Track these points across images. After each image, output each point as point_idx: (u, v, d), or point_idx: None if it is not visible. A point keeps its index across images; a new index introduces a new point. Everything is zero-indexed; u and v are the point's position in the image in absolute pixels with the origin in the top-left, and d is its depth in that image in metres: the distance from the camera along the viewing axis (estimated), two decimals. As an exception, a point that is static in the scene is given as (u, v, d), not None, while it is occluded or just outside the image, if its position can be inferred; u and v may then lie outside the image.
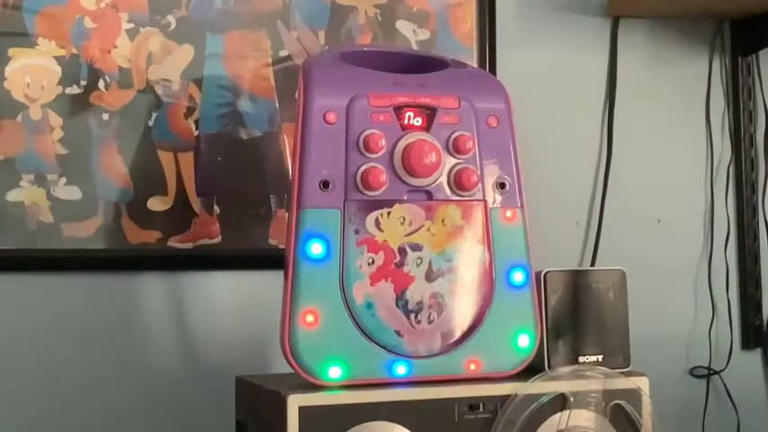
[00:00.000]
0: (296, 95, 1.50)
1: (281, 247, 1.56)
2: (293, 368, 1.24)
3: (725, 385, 1.81)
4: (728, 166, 1.86)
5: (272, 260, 1.46)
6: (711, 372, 1.81)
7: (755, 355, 1.85)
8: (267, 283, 1.51)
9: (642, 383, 1.32)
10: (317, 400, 1.20)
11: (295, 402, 1.19)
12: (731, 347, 1.83)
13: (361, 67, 1.34)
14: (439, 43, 1.70)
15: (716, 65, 1.86)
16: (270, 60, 1.63)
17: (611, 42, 1.81)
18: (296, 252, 1.24)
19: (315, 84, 1.28)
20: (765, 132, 1.88)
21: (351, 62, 1.36)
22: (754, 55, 1.86)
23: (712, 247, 1.84)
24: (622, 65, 1.81)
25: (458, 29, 1.71)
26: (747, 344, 1.84)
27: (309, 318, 1.24)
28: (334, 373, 1.24)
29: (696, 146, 1.85)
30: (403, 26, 1.68)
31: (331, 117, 1.27)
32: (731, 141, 1.86)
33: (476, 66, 1.69)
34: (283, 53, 1.63)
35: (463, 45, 1.71)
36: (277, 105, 1.62)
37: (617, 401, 1.30)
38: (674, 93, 1.84)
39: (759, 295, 1.85)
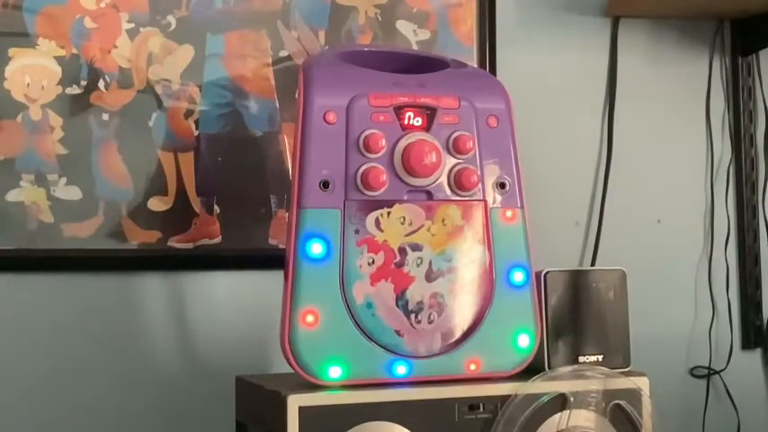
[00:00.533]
0: (296, 95, 1.50)
1: (281, 247, 1.56)
2: (293, 368, 1.24)
3: (725, 385, 1.81)
4: (728, 166, 1.86)
5: (272, 260, 1.46)
6: (711, 372, 1.81)
7: (756, 355, 1.85)
8: (267, 283, 1.51)
9: (642, 383, 1.32)
10: (317, 400, 1.20)
11: (295, 402, 1.19)
12: (731, 347, 1.83)
13: (361, 67, 1.34)
14: (439, 43, 1.70)
15: (716, 65, 1.86)
16: (270, 60, 1.63)
17: (611, 42, 1.81)
18: (296, 252, 1.24)
19: (315, 84, 1.28)
20: (765, 132, 1.88)
21: (351, 62, 1.36)
22: (754, 55, 1.86)
23: (712, 247, 1.84)
24: (622, 65, 1.81)
25: (458, 29, 1.71)
26: (747, 344, 1.84)
27: (309, 318, 1.24)
28: (335, 372, 1.24)
29: (696, 146, 1.85)
30: (403, 26, 1.68)
31: (331, 117, 1.27)
32: (731, 141, 1.86)
33: (476, 66, 1.69)
34: (283, 53, 1.63)
35: (463, 45, 1.71)
36: (277, 105, 1.62)
37: (617, 401, 1.30)
38: (675, 93, 1.84)
39: (759, 295, 1.85)
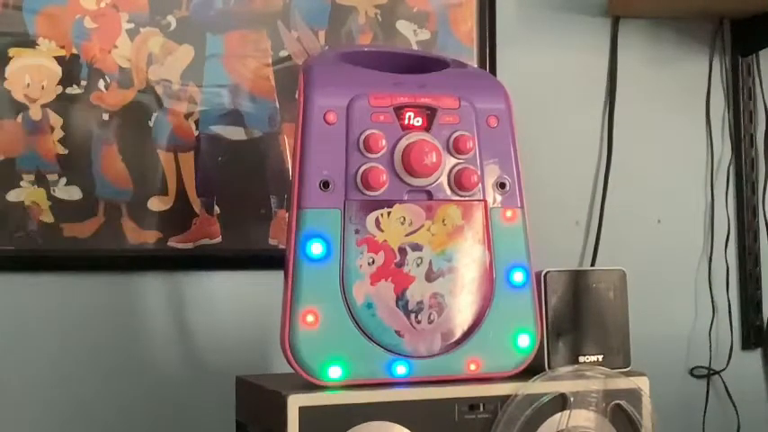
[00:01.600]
0: (296, 95, 1.50)
1: (282, 247, 1.56)
2: (293, 368, 1.24)
3: (725, 385, 1.81)
4: (728, 166, 1.86)
5: (273, 260, 1.46)
6: (711, 372, 1.81)
7: (756, 355, 1.85)
8: (267, 283, 1.51)
9: (642, 383, 1.32)
10: (317, 401, 1.20)
11: (295, 402, 1.19)
12: (731, 347, 1.83)
13: (361, 67, 1.34)
14: (439, 43, 1.70)
15: (716, 65, 1.86)
16: (270, 60, 1.63)
17: (611, 42, 1.81)
18: (296, 252, 1.24)
19: (315, 84, 1.28)
20: (765, 132, 1.88)
21: (351, 62, 1.35)
22: (754, 55, 1.86)
23: (712, 248, 1.84)
24: (622, 65, 1.81)
25: (458, 29, 1.71)
26: (747, 344, 1.84)
27: (310, 318, 1.24)
28: (335, 373, 1.24)
29: (696, 146, 1.85)
30: (403, 26, 1.68)
31: (331, 117, 1.27)
32: (731, 141, 1.86)
33: (476, 66, 1.69)
34: (283, 53, 1.63)
35: (463, 45, 1.71)
36: (277, 105, 1.62)
37: (617, 401, 1.30)
38: (674, 93, 1.84)
39: (759, 295, 1.85)
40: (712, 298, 1.83)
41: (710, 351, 1.82)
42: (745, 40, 1.84)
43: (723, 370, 1.81)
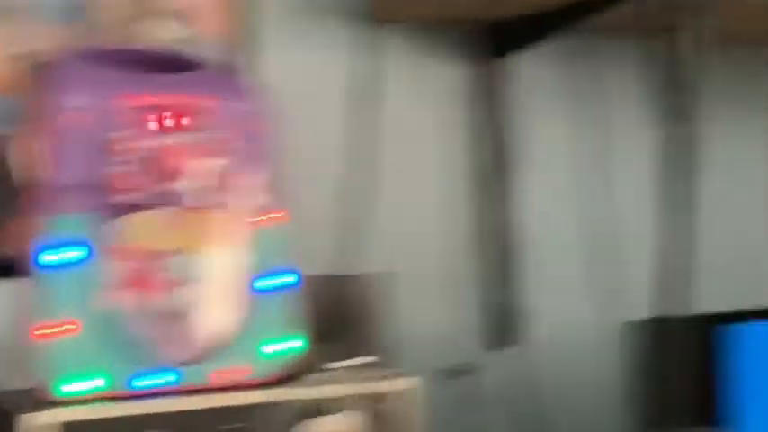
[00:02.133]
0: (42, 95, 1.42)
1: (22, 255, 1.48)
2: (33, 383, 1.18)
3: (477, 385, 1.86)
4: (482, 171, 1.92)
5: (8, 269, 1.38)
6: (464, 371, 1.86)
7: (506, 356, 1.92)
8: (6, 294, 1.42)
9: (402, 384, 1.34)
10: (57, 417, 1.15)
11: (31, 421, 1.13)
12: (482, 348, 1.88)
13: (112, 66, 1.29)
14: (197, 43, 1.66)
15: (473, 70, 1.91)
16: (14, 55, 1.54)
17: (374, 47, 1.83)
18: (41, 260, 1.19)
19: (62, 83, 1.23)
20: (516, 136, 1.95)
21: (101, 61, 1.30)
22: (508, 59, 1.91)
23: (467, 250, 1.90)
24: (387, 69, 1.83)
25: (217, 28, 1.68)
26: (498, 344, 1.91)
27: (54, 329, 1.18)
28: (82, 386, 1.19)
29: (454, 150, 1.90)
30: (159, 24, 1.63)
31: (79, 118, 1.22)
32: (485, 146, 1.93)
33: (236, 67, 1.66)
34: (29, 49, 1.55)
35: (222, 46, 1.68)
36: (20, 104, 1.53)
37: (375, 404, 1.32)
38: (435, 98, 1.88)
39: (510, 296, 1.92)
40: (466, 299, 1.88)
41: (462, 351, 1.86)
42: (501, 44, 1.90)
43: (476, 370, 1.87)
